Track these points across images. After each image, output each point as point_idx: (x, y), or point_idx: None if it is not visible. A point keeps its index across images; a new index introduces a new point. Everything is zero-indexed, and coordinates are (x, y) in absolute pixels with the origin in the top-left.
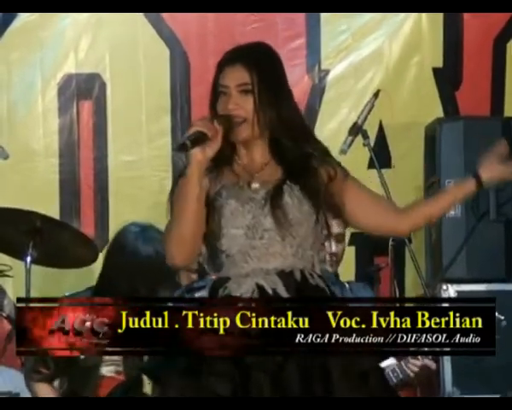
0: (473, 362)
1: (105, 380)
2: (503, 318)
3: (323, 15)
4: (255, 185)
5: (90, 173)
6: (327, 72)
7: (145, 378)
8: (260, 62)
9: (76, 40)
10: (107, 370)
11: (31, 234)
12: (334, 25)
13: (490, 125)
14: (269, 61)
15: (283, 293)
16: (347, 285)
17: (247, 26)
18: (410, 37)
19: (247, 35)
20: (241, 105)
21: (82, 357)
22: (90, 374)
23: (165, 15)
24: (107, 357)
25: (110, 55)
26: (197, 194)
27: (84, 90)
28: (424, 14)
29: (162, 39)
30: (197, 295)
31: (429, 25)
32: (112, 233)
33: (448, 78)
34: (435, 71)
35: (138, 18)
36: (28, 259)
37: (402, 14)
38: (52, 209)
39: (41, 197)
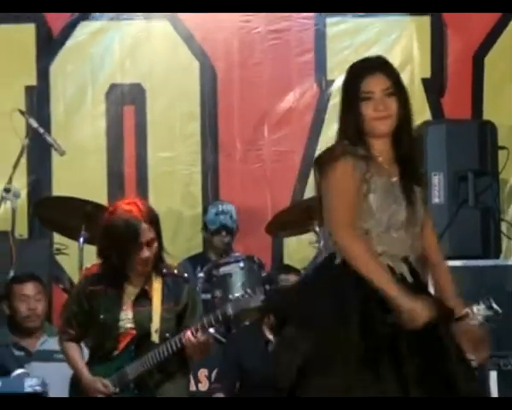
0: None
1: (122, 335)
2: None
3: (329, 34)
4: (394, 179)
5: (132, 168)
6: (332, 81)
7: (152, 330)
8: (393, 71)
9: (121, 55)
10: (121, 326)
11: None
12: (338, 42)
13: (468, 126)
14: (396, 71)
15: (408, 277)
16: None
17: (265, 44)
18: (403, 52)
19: (266, 51)
20: (388, 106)
21: (101, 317)
22: (110, 331)
23: (195, 33)
24: (121, 315)
25: (150, 67)
26: None
27: (127, 98)
28: (414, 34)
29: (193, 54)
30: (223, 269)
31: (418, 42)
32: None
33: (434, 86)
34: (424, 81)
35: (173, 35)
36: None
37: (395, 34)
38: (102, 198)
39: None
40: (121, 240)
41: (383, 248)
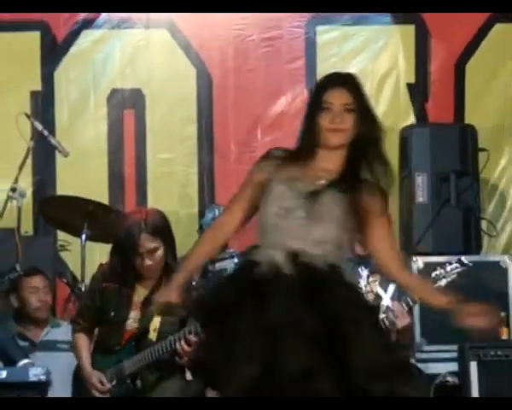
0: (438, 317)
1: (126, 332)
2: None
3: (319, 42)
4: (320, 181)
5: (132, 169)
6: None
7: (151, 329)
8: (357, 88)
9: (122, 62)
10: (129, 324)
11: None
12: (327, 49)
13: (450, 130)
14: (361, 89)
15: (287, 269)
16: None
17: (258, 51)
18: (389, 59)
19: (259, 58)
20: (345, 120)
21: (112, 314)
22: (117, 327)
23: (193, 42)
24: (131, 315)
25: (149, 74)
26: None
27: (128, 102)
28: (400, 42)
29: (190, 62)
30: (218, 265)
31: (403, 50)
32: None
33: (419, 92)
34: (409, 86)
35: (171, 44)
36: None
37: (382, 42)
38: (103, 198)
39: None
40: (121, 249)
41: (273, 238)
